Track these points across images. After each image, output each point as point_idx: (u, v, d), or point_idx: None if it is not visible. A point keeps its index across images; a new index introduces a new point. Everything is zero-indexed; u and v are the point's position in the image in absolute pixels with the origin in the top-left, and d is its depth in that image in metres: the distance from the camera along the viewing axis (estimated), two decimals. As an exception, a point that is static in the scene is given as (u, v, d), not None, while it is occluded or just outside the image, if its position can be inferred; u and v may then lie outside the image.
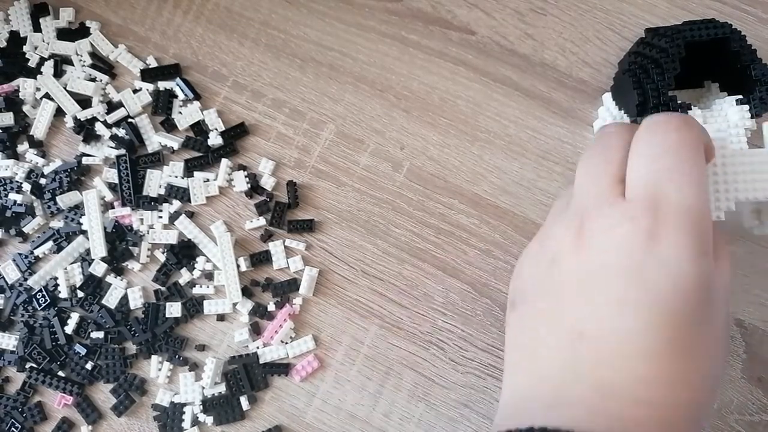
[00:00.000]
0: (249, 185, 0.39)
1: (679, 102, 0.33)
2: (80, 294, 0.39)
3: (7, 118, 0.41)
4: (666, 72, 0.33)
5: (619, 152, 0.25)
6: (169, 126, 0.41)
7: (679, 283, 0.22)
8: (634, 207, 0.23)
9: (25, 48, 0.42)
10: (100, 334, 0.38)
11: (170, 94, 0.41)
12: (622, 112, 0.36)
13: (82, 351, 0.38)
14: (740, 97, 0.33)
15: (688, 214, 0.23)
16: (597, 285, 0.23)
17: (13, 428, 0.38)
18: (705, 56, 0.35)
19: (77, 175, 0.40)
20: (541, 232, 0.28)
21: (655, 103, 0.33)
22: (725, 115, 0.33)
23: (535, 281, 0.26)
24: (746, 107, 0.32)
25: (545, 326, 0.25)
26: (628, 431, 0.22)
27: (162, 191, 0.40)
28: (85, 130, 0.40)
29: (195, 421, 0.37)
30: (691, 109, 0.33)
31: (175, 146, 0.40)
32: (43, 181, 0.40)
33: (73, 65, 0.42)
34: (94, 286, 0.39)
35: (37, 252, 0.39)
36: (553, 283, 0.25)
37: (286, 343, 0.38)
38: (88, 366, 0.38)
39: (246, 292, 0.39)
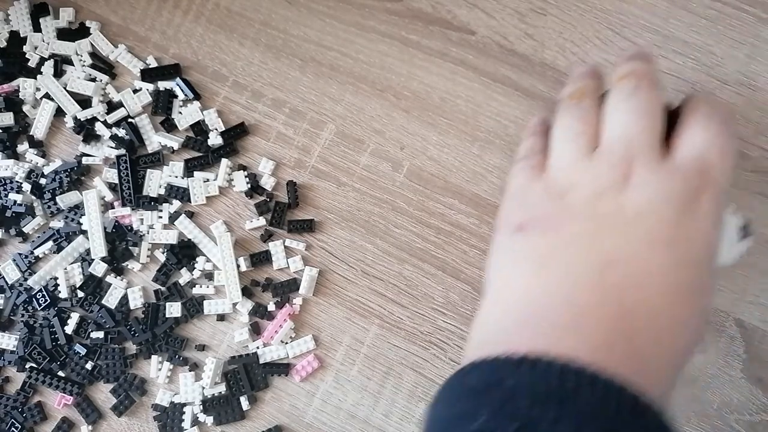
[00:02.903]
0: (249, 185, 0.39)
1: None
2: (80, 294, 0.39)
3: (7, 118, 0.41)
4: None
5: (661, 115, 0.28)
6: (169, 126, 0.41)
7: (707, 241, 0.26)
8: (687, 169, 0.26)
9: (25, 48, 0.42)
10: (100, 334, 0.38)
11: (170, 94, 0.41)
12: None
13: (82, 351, 0.38)
14: None
15: (722, 192, 0.26)
16: (638, 222, 0.25)
17: (13, 428, 0.38)
18: None
19: (77, 175, 0.40)
20: (553, 169, 0.28)
21: None
22: None
23: (560, 209, 0.27)
24: None
25: (575, 248, 0.26)
26: (640, 360, 0.23)
27: (162, 191, 0.40)
28: (85, 130, 0.40)
29: (195, 421, 0.37)
30: None
31: (175, 146, 0.40)
32: (43, 181, 0.40)
33: (73, 65, 0.42)
34: (94, 286, 0.39)
35: (37, 252, 0.39)
36: (588, 214, 0.26)
37: (286, 343, 0.38)
38: (88, 366, 0.38)
39: (246, 292, 0.39)
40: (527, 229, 0.27)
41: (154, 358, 0.38)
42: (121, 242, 0.39)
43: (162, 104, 0.41)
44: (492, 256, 0.29)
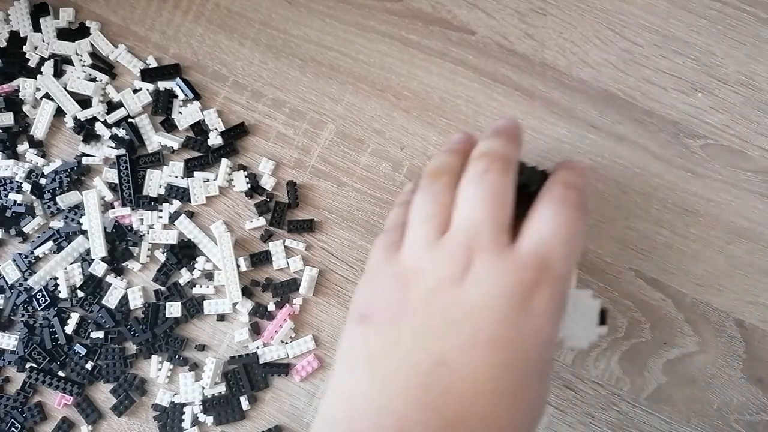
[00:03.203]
0: (249, 185, 0.39)
1: None
2: (80, 294, 0.39)
3: (7, 118, 0.41)
4: None
5: (510, 201, 0.27)
6: (169, 126, 0.41)
7: (540, 338, 0.25)
8: (526, 261, 0.25)
9: (25, 48, 0.42)
10: (100, 334, 0.38)
11: (170, 94, 0.41)
12: None
13: (82, 351, 0.38)
14: None
15: (562, 282, 0.25)
16: (472, 320, 0.24)
17: (13, 428, 0.38)
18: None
19: (77, 175, 0.40)
20: (404, 252, 0.27)
21: None
22: None
23: (400, 301, 0.26)
24: None
25: (407, 347, 0.25)
26: None
27: (162, 191, 0.40)
28: (85, 130, 0.40)
29: (195, 421, 0.37)
30: None
31: (175, 146, 0.40)
32: (43, 181, 0.40)
33: (73, 65, 0.42)
34: (94, 286, 0.39)
35: (37, 252, 0.39)
36: (425, 309, 0.25)
37: (286, 343, 0.38)
38: (88, 366, 0.38)
39: (246, 292, 0.39)
40: (368, 321, 0.26)
41: (154, 358, 0.38)
42: (121, 242, 0.39)
43: (162, 104, 0.41)
44: (339, 344, 0.27)
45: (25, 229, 0.40)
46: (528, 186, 0.29)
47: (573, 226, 0.26)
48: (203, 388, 0.38)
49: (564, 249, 0.25)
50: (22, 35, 0.42)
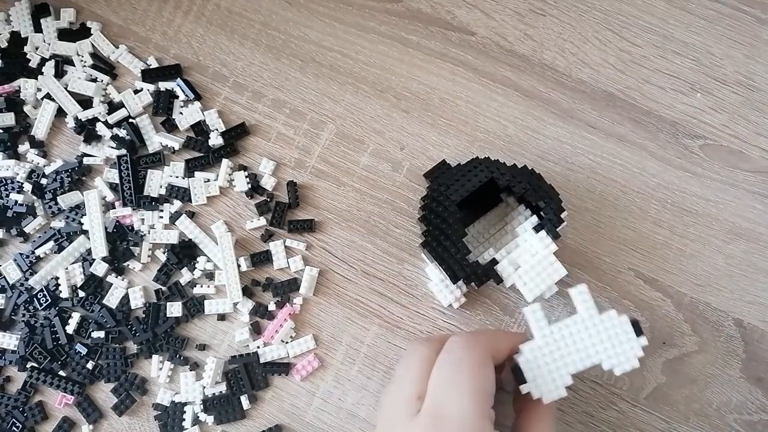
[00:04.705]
0: (249, 185, 0.40)
1: (480, 266, 0.34)
2: (81, 294, 0.39)
3: (8, 119, 0.41)
4: (456, 243, 0.34)
5: (416, 370, 0.29)
6: (170, 126, 0.41)
7: None
8: (423, 421, 0.27)
9: (26, 48, 0.42)
10: (101, 334, 0.38)
11: (171, 95, 0.41)
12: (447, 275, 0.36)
13: (83, 350, 0.38)
14: (537, 223, 0.34)
15: (464, 422, 0.27)
16: None
17: (14, 427, 0.38)
18: (489, 188, 0.35)
19: (78, 175, 0.40)
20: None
21: (462, 274, 0.34)
22: (530, 246, 0.34)
23: None
24: (544, 234, 0.34)
25: None
26: None
27: (163, 191, 0.40)
28: (86, 131, 0.41)
29: (196, 421, 0.38)
30: (497, 263, 0.34)
31: (176, 146, 0.40)
32: (44, 181, 0.40)
33: (74, 66, 0.42)
34: (95, 286, 0.39)
35: (38, 252, 0.39)
36: None
37: (287, 342, 0.38)
38: (89, 365, 0.38)
39: (246, 292, 0.39)
40: None
41: (155, 357, 0.38)
42: (122, 242, 0.40)
43: (163, 104, 0.41)
44: None
45: (26, 229, 0.40)
46: (496, 180, 0.33)
47: (455, 369, 0.28)
48: (204, 387, 0.38)
49: (447, 390, 0.28)
50: (23, 35, 0.42)
